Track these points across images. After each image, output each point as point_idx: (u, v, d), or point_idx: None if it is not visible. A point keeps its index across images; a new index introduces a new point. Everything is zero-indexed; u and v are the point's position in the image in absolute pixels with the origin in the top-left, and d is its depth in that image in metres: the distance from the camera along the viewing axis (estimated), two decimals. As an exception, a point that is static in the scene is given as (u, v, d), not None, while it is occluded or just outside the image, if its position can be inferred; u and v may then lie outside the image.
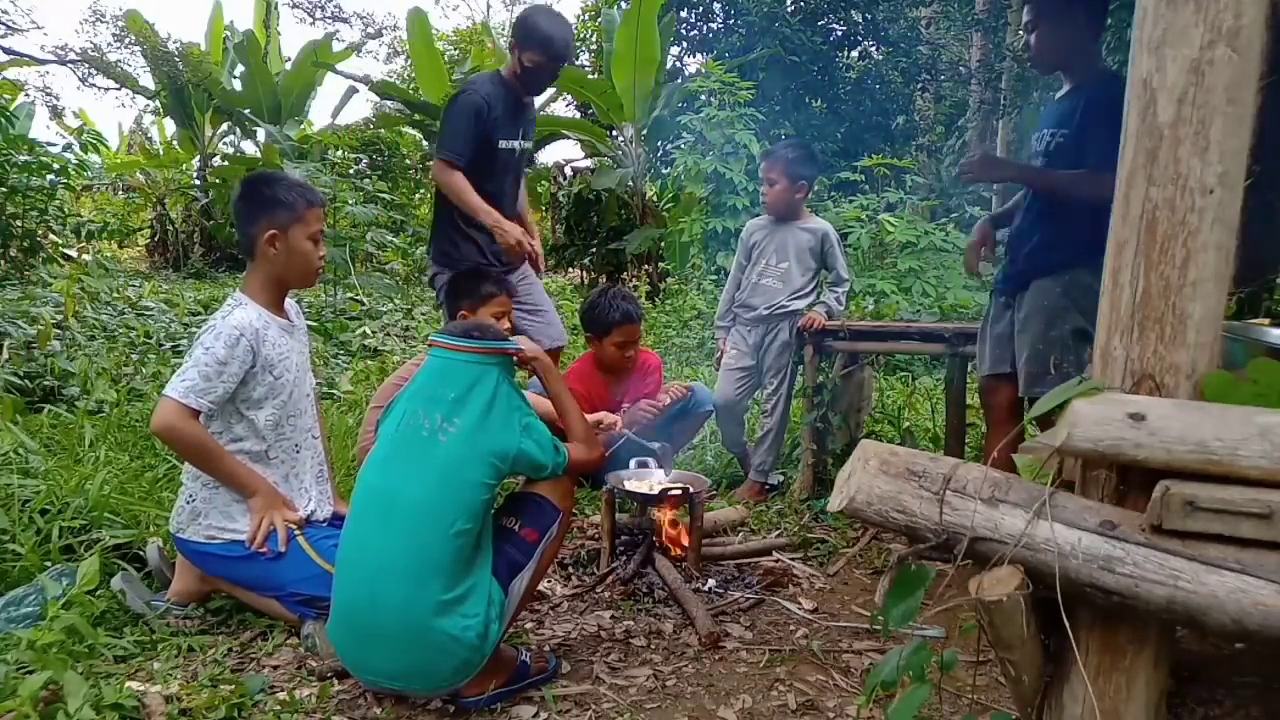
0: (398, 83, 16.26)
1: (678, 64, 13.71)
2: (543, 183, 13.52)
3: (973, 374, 4.33)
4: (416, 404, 1.91)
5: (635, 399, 3.56)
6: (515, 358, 2.05)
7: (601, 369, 3.51)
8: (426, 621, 1.74)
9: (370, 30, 24.07)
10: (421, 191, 14.57)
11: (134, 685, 1.86)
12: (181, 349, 5.49)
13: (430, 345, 2.02)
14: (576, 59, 3.66)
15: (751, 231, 3.70)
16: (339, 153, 11.45)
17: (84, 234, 8.37)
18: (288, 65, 14.64)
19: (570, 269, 12.97)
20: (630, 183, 10.83)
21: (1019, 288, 2.60)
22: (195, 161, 14.68)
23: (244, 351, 2.15)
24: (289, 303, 2.43)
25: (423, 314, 7.80)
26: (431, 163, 3.14)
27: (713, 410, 3.71)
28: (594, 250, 11.96)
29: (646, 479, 2.89)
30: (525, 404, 1.98)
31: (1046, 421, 2.83)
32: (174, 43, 13.98)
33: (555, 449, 1.99)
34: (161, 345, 5.59)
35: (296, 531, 2.23)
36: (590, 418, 2.80)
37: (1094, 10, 2.48)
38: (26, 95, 14.95)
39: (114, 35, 20.87)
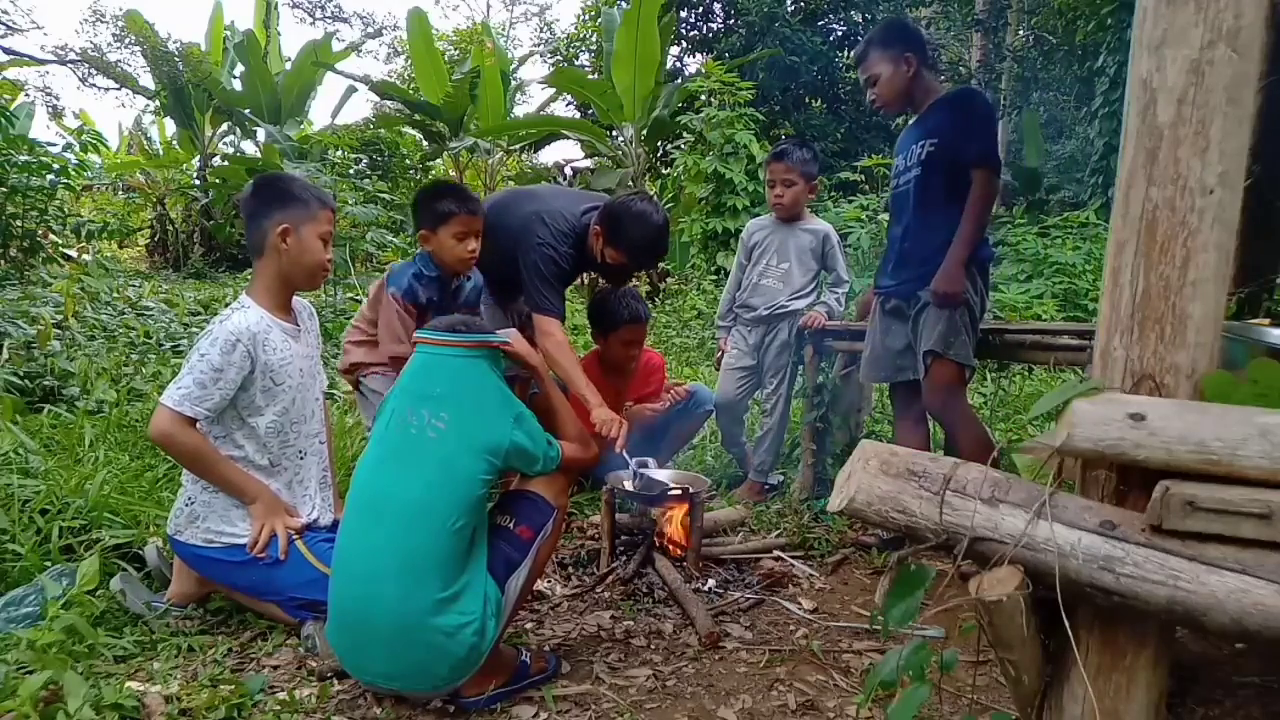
0: (398, 83, 16.28)
1: (678, 64, 13.72)
2: (542, 183, 13.54)
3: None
4: (404, 402, 1.91)
5: (638, 398, 3.57)
6: (504, 351, 2.03)
7: (605, 368, 3.51)
8: (422, 620, 1.74)
9: (370, 30, 24.12)
10: (422, 191, 14.54)
11: (134, 685, 1.86)
12: (181, 349, 5.49)
13: (416, 342, 2.01)
14: (665, 253, 3.51)
15: (752, 231, 3.70)
16: (339, 153, 11.45)
17: (84, 234, 8.36)
18: (288, 65, 14.66)
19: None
20: (630, 183, 10.84)
21: (917, 289, 2.75)
22: (195, 161, 14.71)
23: (241, 358, 2.13)
24: (299, 303, 2.41)
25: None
26: (535, 316, 2.98)
27: (713, 410, 3.71)
28: (594, 250, 11.95)
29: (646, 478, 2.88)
30: (514, 396, 1.97)
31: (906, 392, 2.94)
32: (174, 43, 14.01)
33: (548, 442, 1.99)
34: (161, 345, 5.59)
35: (295, 536, 2.23)
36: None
37: (918, 48, 2.77)
38: (26, 95, 14.98)
39: (114, 35, 20.93)
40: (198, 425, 2.13)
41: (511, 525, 1.95)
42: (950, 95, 2.77)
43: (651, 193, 10.92)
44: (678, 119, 9.14)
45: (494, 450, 1.86)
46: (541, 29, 25.25)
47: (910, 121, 2.91)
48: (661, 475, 2.93)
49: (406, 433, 1.86)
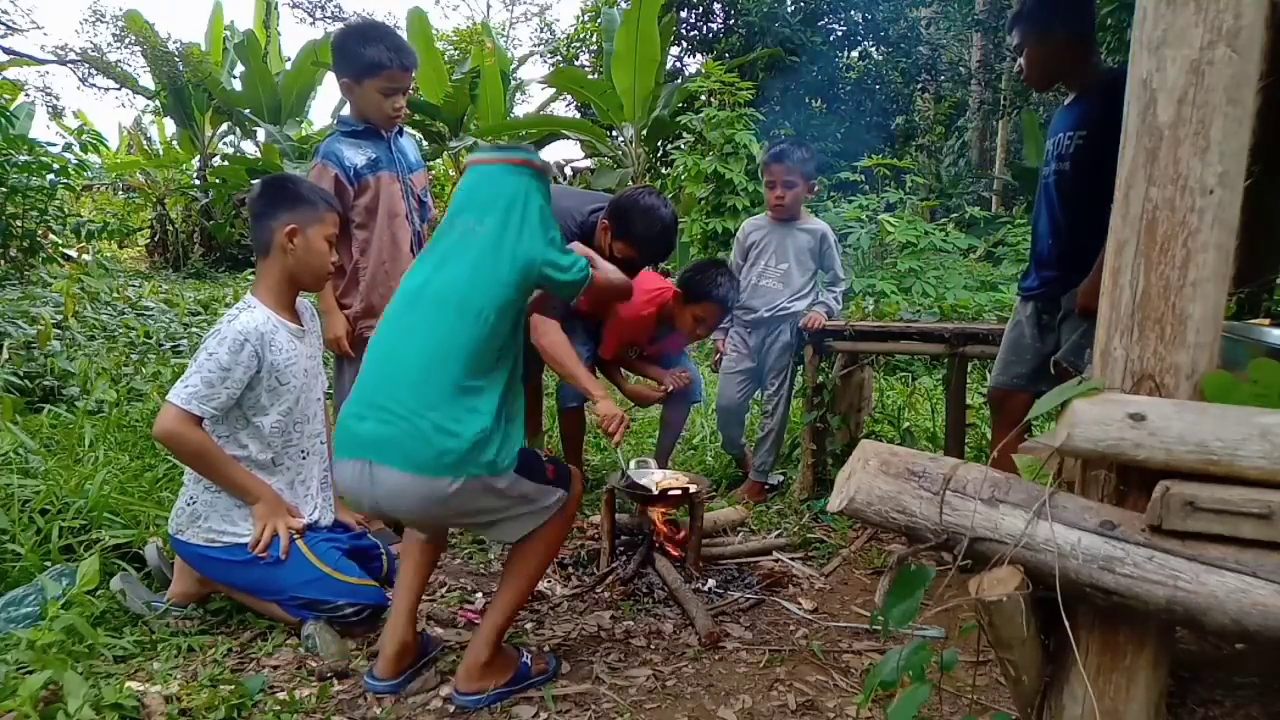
0: (398, 83, 16.21)
1: (678, 64, 13.72)
2: (543, 183, 13.56)
3: (973, 374, 4.32)
4: (452, 214, 1.97)
5: (662, 352, 3.55)
6: (545, 174, 2.04)
7: (661, 320, 3.39)
8: (441, 395, 1.76)
9: (370, 30, 24.03)
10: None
11: (134, 685, 1.86)
12: (181, 349, 5.49)
13: (466, 165, 2.05)
14: (674, 248, 3.27)
15: (749, 232, 3.68)
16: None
17: (84, 234, 8.37)
18: (288, 65, 14.65)
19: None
20: (630, 183, 10.83)
21: (1060, 293, 2.51)
22: (195, 161, 14.70)
23: (248, 357, 2.14)
24: (302, 304, 2.41)
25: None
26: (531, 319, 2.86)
27: (700, 401, 3.71)
28: (594, 250, 11.96)
29: (646, 479, 2.89)
30: (553, 219, 2.00)
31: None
32: (174, 43, 14.01)
33: (581, 266, 2.00)
34: (161, 345, 5.59)
35: (297, 536, 2.23)
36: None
37: (1079, 21, 2.44)
38: (26, 95, 14.97)
39: (114, 35, 20.94)
40: (203, 425, 2.14)
41: (544, 458, 1.99)
42: (1110, 80, 2.24)
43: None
44: (678, 119, 9.13)
45: (528, 263, 1.88)
46: (541, 29, 25.23)
47: (1067, 101, 2.57)
48: (662, 475, 2.93)
49: (452, 236, 1.93)
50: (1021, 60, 2.51)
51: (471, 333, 1.80)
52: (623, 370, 3.58)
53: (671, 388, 3.42)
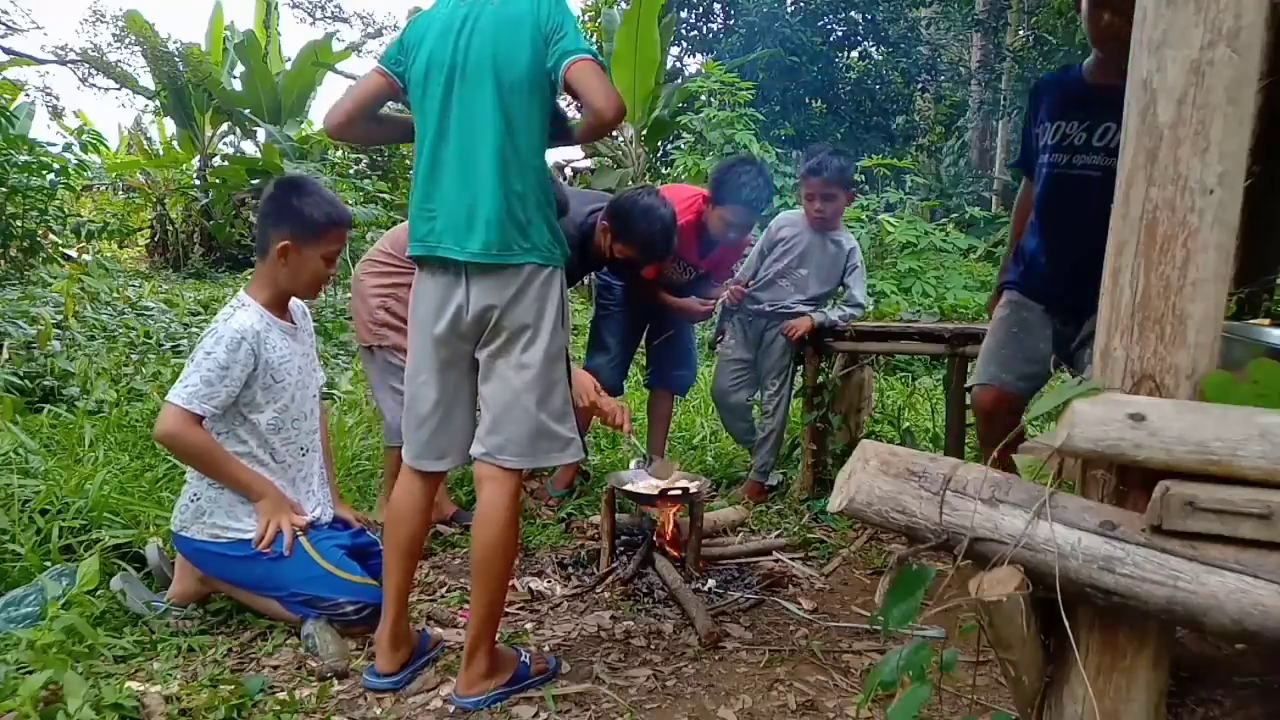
0: (398, 83, 16.20)
1: (678, 64, 13.74)
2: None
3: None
4: None
5: (715, 266, 3.62)
6: None
7: (697, 231, 3.38)
8: (525, 176, 1.83)
9: (370, 30, 24.10)
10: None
11: (134, 685, 1.86)
12: (181, 349, 5.49)
13: None
14: (674, 248, 3.21)
15: (781, 226, 3.56)
16: (339, 153, 11.43)
17: (84, 234, 8.37)
18: (288, 65, 14.64)
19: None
20: (630, 183, 10.83)
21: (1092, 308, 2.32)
22: (195, 161, 14.68)
23: (245, 355, 2.16)
24: (294, 304, 2.43)
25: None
26: None
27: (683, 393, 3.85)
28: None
29: (646, 479, 2.88)
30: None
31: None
32: (174, 43, 13.99)
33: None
34: (161, 345, 5.59)
35: (300, 533, 2.24)
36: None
37: None
38: (26, 95, 14.95)
39: (114, 35, 20.94)
40: (203, 424, 2.14)
41: None
42: None
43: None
44: (678, 119, 9.14)
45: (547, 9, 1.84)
46: (542, 29, 25.15)
47: (1097, 80, 2.26)
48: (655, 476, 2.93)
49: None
50: (1111, 16, 2.10)
51: (532, 107, 1.85)
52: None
53: (722, 296, 3.50)
